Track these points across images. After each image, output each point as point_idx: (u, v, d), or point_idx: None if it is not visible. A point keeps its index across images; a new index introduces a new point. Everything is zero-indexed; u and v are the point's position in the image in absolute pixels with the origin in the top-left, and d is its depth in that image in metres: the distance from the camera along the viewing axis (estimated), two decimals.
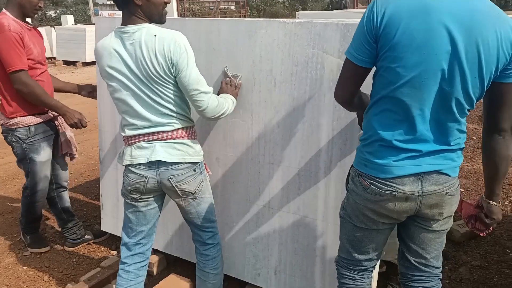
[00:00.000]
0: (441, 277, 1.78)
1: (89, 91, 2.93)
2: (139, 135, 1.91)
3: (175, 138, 1.92)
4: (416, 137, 1.48)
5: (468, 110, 1.45)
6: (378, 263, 1.86)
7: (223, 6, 17.53)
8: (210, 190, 2.14)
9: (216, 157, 2.43)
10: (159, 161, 1.89)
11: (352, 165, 1.69)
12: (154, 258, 2.76)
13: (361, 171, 1.60)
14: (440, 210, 1.58)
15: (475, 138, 5.27)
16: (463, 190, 3.88)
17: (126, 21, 1.84)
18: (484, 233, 1.74)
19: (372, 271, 1.85)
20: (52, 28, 13.39)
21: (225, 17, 17.94)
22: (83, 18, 25.19)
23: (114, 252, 3.00)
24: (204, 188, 2.05)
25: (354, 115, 1.97)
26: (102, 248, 3.06)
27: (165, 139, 1.90)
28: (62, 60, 12.62)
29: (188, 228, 2.61)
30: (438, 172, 1.51)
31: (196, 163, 1.99)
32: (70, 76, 10.74)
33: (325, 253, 2.19)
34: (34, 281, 2.72)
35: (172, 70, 1.81)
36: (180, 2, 15.97)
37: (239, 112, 2.30)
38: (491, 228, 1.71)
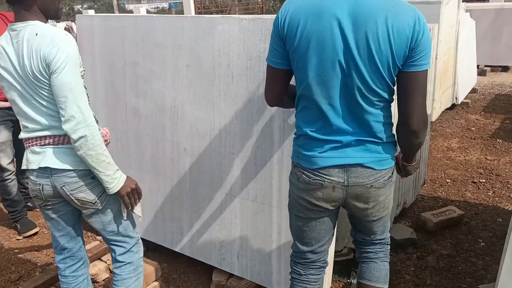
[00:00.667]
0: (387, 242, 1.92)
1: None
2: (31, 138, 1.76)
3: (68, 143, 1.73)
4: (333, 130, 1.56)
5: (379, 101, 1.52)
6: (329, 261, 1.94)
7: None
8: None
9: (184, 148, 2.56)
10: (50, 167, 1.74)
11: None
12: None
13: (295, 163, 1.71)
14: (366, 201, 1.66)
15: (474, 129, 5.22)
16: (449, 180, 3.89)
17: (16, 18, 1.70)
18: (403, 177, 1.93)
19: (321, 269, 1.88)
20: (73, 23, 13.74)
21: (247, 8, 17.95)
22: (109, 12, 25.74)
23: (100, 238, 3.18)
24: (110, 197, 1.84)
25: None
26: (89, 234, 3.26)
27: (57, 144, 1.74)
28: None
29: (162, 214, 2.77)
30: (361, 165, 1.59)
31: None
32: None
33: (280, 238, 2.30)
34: (22, 263, 2.94)
35: (46, 70, 1.62)
36: None
37: (202, 104, 2.42)
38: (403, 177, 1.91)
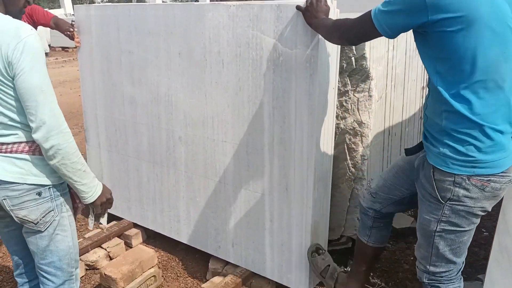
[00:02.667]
0: None
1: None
2: None
3: (16, 152, 1.53)
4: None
5: None
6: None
7: None
8: (70, 229, 1.69)
9: (179, 136, 2.56)
10: None
11: None
12: (133, 231, 2.97)
13: (468, 175, 1.46)
14: None
15: None
16: None
17: None
18: None
19: None
20: None
21: None
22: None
23: (101, 225, 3.23)
24: (55, 221, 1.62)
25: (291, 92, 2.04)
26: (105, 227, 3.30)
27: (4, 152, 1.53)
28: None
29: (161, 201, 2.79)
30: None
31: (44, 185, 1.56)
32: None
33: (272, 226, 2.29)
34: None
35: (8, 70, 1.42)
36: None
37: (195, 92, 2.42)
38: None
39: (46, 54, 12.99)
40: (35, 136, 1.47)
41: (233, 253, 2.50)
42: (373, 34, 1.50)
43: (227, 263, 2.57)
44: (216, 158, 2.43)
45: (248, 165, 2.30)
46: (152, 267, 2.63)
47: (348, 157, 2.35)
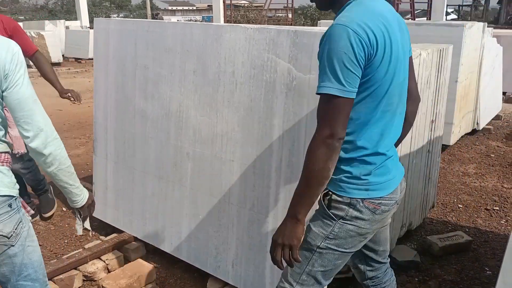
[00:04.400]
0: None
1: (67, 94, 3.24)
2: None
3: None
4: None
5: None
6: None
7: (270, 15, 17.80)
8: (35, 237, 1.64)
9: (187, 152, 2.58)
10: None
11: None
12: (133, 245, 2.95)
13: (361, 198, 1.51)
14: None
15: (493, 156, 5.07)
16: (461, 205, 3.78)
17: None
18: None
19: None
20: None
21: (278, 25, 18.11)
22: None
23: (103, 237, 3.22)
24: (24, 232, 1.57)
25: (302, 117, 2.06)
26: (93, 233, 3.29)
27: None
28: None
29: (164, 217, 2.79)
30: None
31: (13, 197, 1.53)
32: None
33: None
34: None
35: (2, 83, 1.44)
36: (227, 10, 16.43)
37: (207, 110, 2.44)
38: None
39: (59, 64, 13.18)
40: (33, 144, 1.48)
41: (233, 274, 2.48)
42: (345, 108, 1.36)
43: (225, 283, 2.54)
44: (222, 177, 2.44)
45: (254, 186, 2.30)
46: (151, 282, 2.60)
47: None
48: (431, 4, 12.21)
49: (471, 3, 31.48)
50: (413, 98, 1.71)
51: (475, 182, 4.31)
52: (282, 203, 2.20)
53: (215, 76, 2.38)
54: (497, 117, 6.72)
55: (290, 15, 18.54)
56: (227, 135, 2.38)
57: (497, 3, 34.24)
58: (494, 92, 6.54)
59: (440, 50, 2.78)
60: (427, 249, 3.02)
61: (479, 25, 5.33)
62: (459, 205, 3.79)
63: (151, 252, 3.02)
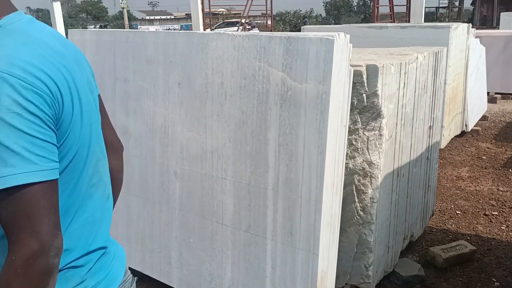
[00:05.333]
0: None
1: None
2: None
3: None
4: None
5: None
6: None
7: (248, 21, 17.69)
8: None
9: (174, 171, 2.39)
10: None
11: None
12: None
13: None
14: None
15: (484, 157, 5.00)
16: (459, 212, 3.66)
17: None
18: None
19: None
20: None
21: None
22: None
23: None
24: None
25: (299, 129, 1.90)
26: None
27: None
28: None
29: (152, 241, 2.58)
30: None
31: None
32: None
33: (274, 274, 2.09)
34: None
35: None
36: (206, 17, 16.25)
37: (194, 125, 2.26)
38: None
39: None
40: None
41: None
42: (55, 195, 0.88)
43: None
44: (214, 196, 2.25)
45: (249, 206, 2.12)
46: None
47: (356, 200, 2.20)
48: (409, 7, 12.28)
49: (447, 5, 32.09)
50: (114, 148, 1.28)
51: (470, 186, 4.22)
52: (281, 222, 2.02)
53: (202, 88, 2.20)
54: (484, 118, 6.69)
55: (269, 22, 18.50)
56: (218, 151, 2.20)
57: (471, 4, 35.00)
58: (480, 93, 6.52)
59: (436, 52, 2.66)
60: (430, 261, 2.88)
61: (464, 26, 5.29)
62: (457, 212, 3.67)
63: (139, 279, 2.79)
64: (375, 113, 2.08)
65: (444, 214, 3.63)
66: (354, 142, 2.13)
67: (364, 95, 2.04)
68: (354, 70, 1.95)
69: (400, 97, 2.27)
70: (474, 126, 6.09)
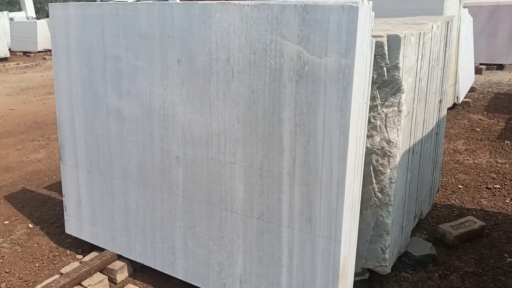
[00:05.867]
0: None
1: None
2: None
3: None
4: None
5: None
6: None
7: None
8: None
9: (176, 156, 2.21)
10: None
11: None
12: (118, 264, 2.57)
13: None
14: None
15: (478, 129, 4.96)
16: (461, 186, 3.60)
17: None
18: None
19: None
20: None
21: None
22: None
23: (80, 257, 2.81)
24: None
25: (318, 108, 1.74)
26: (68, 252, 2.88)
27: None
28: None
29: (153, 231, 2.42)
30: None
31: None
32: None
33: (291, 263, 1.96)
34: None
35: None
36: None
37: (197, 106, 2.07)
38: None
39: (6, 59, 12.23)
40: None
41: None
42: None
43: None
44: (221, 182, 2.09)
45: (262, 191, 1.97)
46: None
47: (374, 181, 2.07)
48: None
49: None
50: None
51: (468, 159, 4.16)
52: (298, 209, 1.88)
53: (205, 64, 2.01)
54: (472, 89, 6.67)
55: None
56: (225, 134, 2.02)
57: None
58: (469, 64, 6.47)
59: (448, 21, 2.51)
60: (440, 239, 2.81)
61: None
62: (459, 186, 3.61)
63: (139, 270, 2.64)
64: (395, 87, 1.93)
65: (447, 189, 3.56)
66: (372, 120, 1.99)
67: (384, 68, 1.89)
68: (375, 41, 1.79)
69: (418, 70, 2.13)
70: (464, 98, 6.05)
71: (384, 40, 1.85)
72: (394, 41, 1.86)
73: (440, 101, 2.68)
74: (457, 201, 3.38)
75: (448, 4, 4.70)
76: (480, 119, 5.34)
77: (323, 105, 1.73)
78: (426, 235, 2.91)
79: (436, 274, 2.52)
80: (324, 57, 1.68)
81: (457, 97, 5.71)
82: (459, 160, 4.15)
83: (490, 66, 8.41)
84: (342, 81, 1.66)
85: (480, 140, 4.63)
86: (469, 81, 6.48)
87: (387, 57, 1.87)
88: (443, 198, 3.43)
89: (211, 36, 1.95)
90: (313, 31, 1.69)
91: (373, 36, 1.80)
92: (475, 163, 4.07)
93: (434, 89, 2.53)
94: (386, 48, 1.86)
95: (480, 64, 8.31)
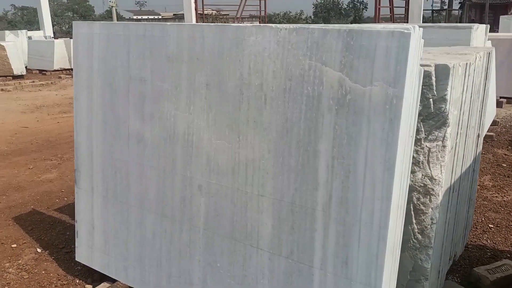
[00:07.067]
0: None
1: None
2: None
3: None
4: None
5: None
6: None
7: (240, 23, 17.38)
8: None
9: (199, 185, 2.07)
10: None
11: None
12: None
13: None
14: None
15: (505, 165, 4.77)
16: (492, 225, 3.40)
17: None
18: None
19: None
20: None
21: None
22: None
23: (89, 286, 2.65)
24: None
25: (360, 140, 1.60)
26: (77, 281, 2.71)
27: None
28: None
29: (169, 264, 2.26)
30: None
31: None
32: None
33: None
34: None
35: None
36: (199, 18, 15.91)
37: (225, 133, 1.94)
38: None
39: (22, 76, 12.34)
40: None
41: None
42: None
43: None
44: (248, 216, 1.94)
45: (292, 228, 1.82)
46: None
47: (414, 221, 1.91)
48: (408, 8, 12.11)
49: (438, 8, 32.26)
50: None
51: (496, 196, 3.97)
52: (332, 250, 1.72)
53: (235, 90, 1.89)
54: (494, 123, 6.50)
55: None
56: (254, 164, 1.89)
57: (459, 9, 35.20)
58: (492, 97, 6.32)
59: (489, 53, 2.39)
60: (475, 283, 2.60)
61: (482, 27, 5.07)
62: (490, 225, 3.41)
63: None
64: (440, 120, 1.79)
65: (477, 228, 3.36)
66: (415, 155, 1.84)
67: (431, 99, 1.75)
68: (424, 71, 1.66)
69: (462, 103, 1.99)
70: (487, 131, 5.87)
71: (432, 69, 1.72)
72: (443, 71, 1.73)
73: (478, 136, 2.53)
74: (489, 241, 3.18)
75: (475, 35, 4.60)
76: (505, 154, 5.16)
77: (366, 138, 1.59)
78: (459, 278, 2.71)
79: None
80: (369, 85, 1.55)
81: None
82: (487, 197, 3.95)
83: (510, 100, 8.25)
84: (389, 112, 1.52)
85: (508, 177, 4.44)
86: (491, 114, 6.31)
87: (434, 88, 1.74)
88: (473, 238, 3.23)
89: (243, 60, 1.84)
90: (357, 57, 1.57)
91: (421, 65, 1.67)
92: (504, 200, 3.87)
93: (474, 123, 2.39)
94: (433, 78, 1.73)
95: (501, 97, 8.15)
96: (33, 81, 11.70)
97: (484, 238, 3.22)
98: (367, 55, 1.55)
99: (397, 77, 1.49)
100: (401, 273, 2.01)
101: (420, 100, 1.76)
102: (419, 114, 1.80)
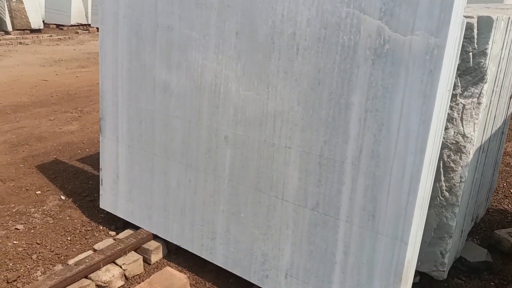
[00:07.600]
0: None
1: None
2: None
3: None
4: None
5: None
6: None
7: None
8: None
9: (225, 136, 2.06)
10: None
11: None
12: (153, 245, 2.46)
13: None
14: None
15: None
16: None
17: None
18: None
19: None
20: None
21: None
22: None
23: (113, 233, 2.71)
24: None
25: (396, 92, 1.56)
26: (101, 228, 2.78)
27: None
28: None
29: (193, 213, 2.29)
30: None
31: None
32: None
33: (346, 260, 1.80)
34: (22, 258, 2.48)
35: None
36: None
37: (254, 83, 1.91)
38: None
39: (40, 30, 12.29)
40: None
41: (286, 287, 2.02)
42: None
43: None
44: (274, 167, 1.94)
45: (319, 180, 1.81)
46: None
47: (442, 178, 1.88)
48: None
49: None
50: None
51: None
52: (360, 203, 1.72)
53: (267, 38, 1.84)
54: None
55: None
56: (282, 116, 1.86)
57: None
58: None
59: None
60: (495, 245, 2.61)
61: None
62: (511, 190, 3.38)
63: (173, 253, 2.53)
64: (478, 76, 1.73)
65: (498, 193, 3.33)
66: (449, 111, 1.80)
67: (470, 53, 1.68)
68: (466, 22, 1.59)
69: (501, 59, 1.92)
70: None
71: (474, 21, 1.65)
72: (486, 24, 1.65)
73: (511, 97, 2.46)
74: (510, 206, 3.15)
75: None
76: None
77: (403, 90, 1.54)
78: (479, 240, 2.71)
79: (492, 283, 2.32)
80: (410, 35, 1.50)
81: None
82: (509, 163, 3.90)
83: None
84: (429, 63, 1.47)
85: None
86: None
87: (475, 40, 1.67)
88: (494, 202, 3.20)
89: (276, 7, 1.78)
90: (399, 4, 1.50)
91: (464, 17, 1.60)
92: None
93: (508, 83, 2.31)
94: (475, 30, 1.66)
95: None
96: (51, 35, 11.66)
97: (505, 202, 3.20)
98: (410, 1, 1.48)
99: (440, 26, 1.43)
100: (425, 230, 2.01)
101: (460, 53, 1.70)
102: (457, 68, 1.74)
